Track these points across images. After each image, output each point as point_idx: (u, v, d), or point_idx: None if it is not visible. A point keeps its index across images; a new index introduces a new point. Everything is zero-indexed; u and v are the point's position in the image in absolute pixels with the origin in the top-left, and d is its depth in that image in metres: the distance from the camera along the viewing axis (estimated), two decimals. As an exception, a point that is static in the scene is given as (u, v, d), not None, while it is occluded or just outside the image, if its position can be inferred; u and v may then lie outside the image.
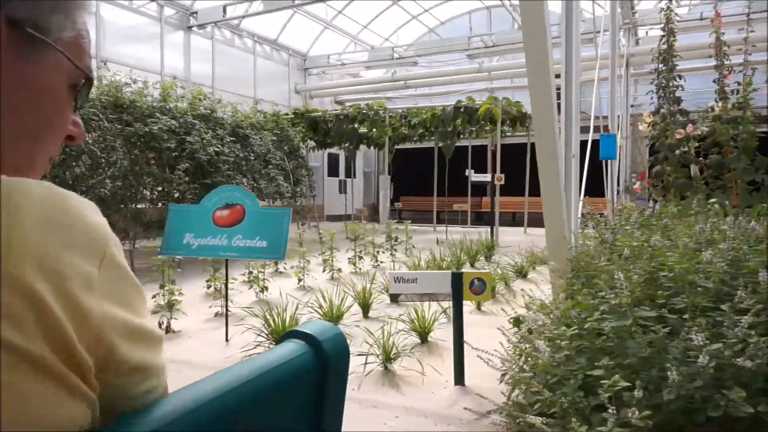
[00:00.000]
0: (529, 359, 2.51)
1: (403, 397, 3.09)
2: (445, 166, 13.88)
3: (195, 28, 13.05)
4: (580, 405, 2.10)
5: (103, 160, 6.55)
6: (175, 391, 0.56)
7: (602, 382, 2.00)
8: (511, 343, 2.73)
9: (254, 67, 14.88)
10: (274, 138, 9.58)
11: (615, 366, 2.14)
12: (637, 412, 1.74)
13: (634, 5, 11.80)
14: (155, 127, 7.24)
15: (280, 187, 9.02)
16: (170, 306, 4.47)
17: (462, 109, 10.07)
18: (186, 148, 7.67)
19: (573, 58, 4.43)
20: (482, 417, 2.72)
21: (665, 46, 9.54)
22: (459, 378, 3.16)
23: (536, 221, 16.86)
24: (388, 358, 3.52)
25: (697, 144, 7.95)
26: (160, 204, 7.52)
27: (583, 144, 16.70)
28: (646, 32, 14.86)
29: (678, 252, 2.42)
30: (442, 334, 4.21)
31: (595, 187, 17.52)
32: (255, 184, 8.71)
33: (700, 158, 7.67)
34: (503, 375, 2.71)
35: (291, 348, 0.68)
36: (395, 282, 3.08)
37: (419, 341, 4.12)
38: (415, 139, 11.76)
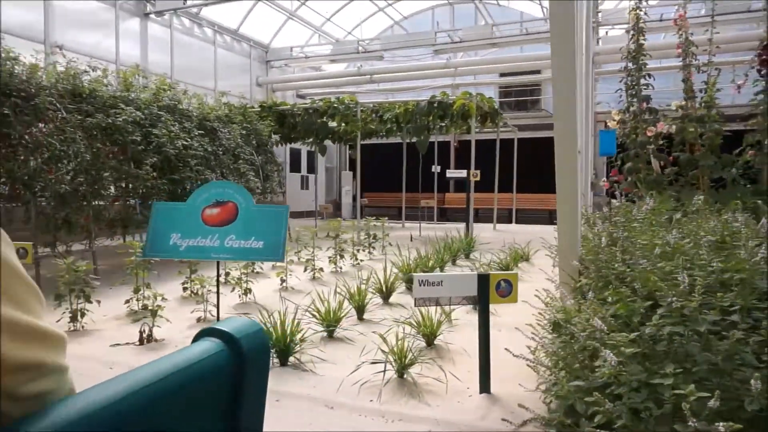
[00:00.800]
0: (577, 365, 2.36)
1: (429, 408, 2.88)
2: (411, 161, 13.78)
3: (152, 16, 12.35)
4: (648, 415, 1.96)
5: (62, 154, 6.01)
6: (59, 401, 0.52)
7: (675, 392, 1.87)
8: (544, 347, 2.58)
9: (215, 59, 14.27)
10: (243, 132, 9.15)
11: (681, 374, 2.01)
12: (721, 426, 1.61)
13: (598, 5, 11.98)
14: (120, 119, 6.72)
15: (250, 183, 8.61)
16: (153, 313, 4.09)
17: (435, 105, 9.95)
18: (152, 141, 7.18)
19: (581, 53, 4.33)
20: (520, 428, 2.56)
21: (634, 45, 9.70)
22: (484, 385, 2.98)
23: (503, 218, 17.08)
24: (403, 365, 3.30)
25: (661, 142, 8.11)
26: (133, 201, 7.02)
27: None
28: (606, 32, 15.22)
29: (730, 252, 2.33)
30: (448, 336, 4.04)
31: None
32: (224, 180, 8.27)
33: (670, 156, 7.82)
34: (540, 382, 2.57)
35: (205, 347, 0.65)
36: (420, 285, 2.87)
37: (425, 345, 3.93)
38: (382, 134, 11.56)
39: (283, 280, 6.01)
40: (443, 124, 10.45)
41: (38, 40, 9.69)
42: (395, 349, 3.36)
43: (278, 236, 3.80)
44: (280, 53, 16.30)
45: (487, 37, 13.93)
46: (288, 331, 3.66)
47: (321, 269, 6.70)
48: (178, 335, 4.30)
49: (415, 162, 17.93)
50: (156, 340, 4.12)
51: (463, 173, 9.36)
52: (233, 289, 5.37)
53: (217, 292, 4.08)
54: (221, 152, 8.50)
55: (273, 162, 9.85)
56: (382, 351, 3.37)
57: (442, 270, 6.72)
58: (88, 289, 4.48)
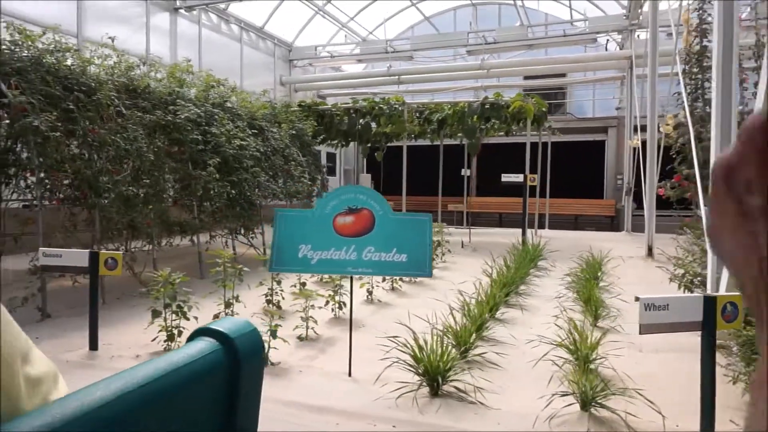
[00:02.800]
0: None
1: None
2: (432, 164, 13.40)
3: (182, 11, 11.86)
4: None
5: (125, 153, 5.53)
6: (59, 398, 0.51)
7: None
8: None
9: (241, 56, 13.79)
10: (294, 132, 8.69)
11: None
12: None
13: (642, 6, 11.70)
14: (182, 116, 6.25)
15: (303, 185, 8.16)
16: (273, 333, 3.63)
17: (487, 106, 9.57)
18: (210, 141, 6.71)
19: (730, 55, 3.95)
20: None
21: (698, 47, 9.35)
22: (708, 426, 2.57)
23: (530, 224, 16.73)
24: (588, 399, 2.89)
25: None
26: (193, 204, 6.55)
27: (584, 145, 16.32)
28: (638, 35, 14.95)
29: None
30: (617, 363, 3.63)
31: (586, 187, 17.56)
32: (272, 182, 7.82)
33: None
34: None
35: (200, 346, 0.64)
36: (646, 310, 2.46)
37: (580, 368, 3.52)
38: (428, 135, 11.13)
39: (369, 292, 5.56)
40: (496, 126, 10.05)
41: (71, 34, 9.18)
42: (575, 376, 2.95)
43: (423, 248, 3.37)
44: (303, 52, 15.85)
45: (522, 39, 13.59)
46: (438, 353, 3.23)
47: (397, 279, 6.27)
48: (289, 357, 3.84)
49: (435, 165, 17.59)
50: (272, 364, 3.67)
51: (519, 177, 8.98)
52: (327, 302, 4.91)
53: (350, 308, 3.63)
54: (270, 153, 8.04)
55: (316, 164, 9.40)
56: (569, 380, 2.95)
57: (521, 282, 6.32)
58: (186, 304, 4.02)
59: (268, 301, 5.12)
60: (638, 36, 14.64)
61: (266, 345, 3.63)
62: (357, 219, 3.44)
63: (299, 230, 3.44)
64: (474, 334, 3.87)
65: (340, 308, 4.92)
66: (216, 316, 4.52)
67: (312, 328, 4.36)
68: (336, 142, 11.30)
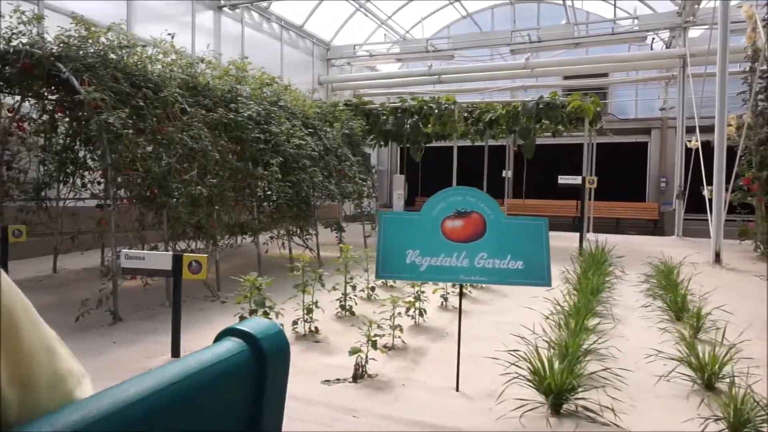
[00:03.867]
0: None
1: None
2: (467, 165, 13.11)
3: (226, 9, 11.77)
4: None
5: (192, 152, 5.37)
6: (93, 394, 0.51)
7: None
8: None
9: (281, 55, 13.66)
10: (347, 131, 8.50)
11: None
12: None
13: (699, 2, 11.27)
14: (245, 113, 6.08)
15: (358, 186, 7.95)
16: (374, 344, 3.41)
17: (542, 106, 9.26)
18: (270, 140, 6.54)
19: None
20: None
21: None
22: None
23: (566, 226, 16.36)
24: (741, 425, 2.61)
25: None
26: (253, 204, 6.38)
27: (626, 146, 15.72)
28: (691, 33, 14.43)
29: None
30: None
31: (627, 190, 17.08)
32: (328, 182, 7.61)
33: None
34: None
35: (228, 346, 0.65)
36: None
37: (702, 387, 3.24)
38: (483, 136, 10.80)
39: (444, 298, 5.31)
40: (551, 127, 9.73)
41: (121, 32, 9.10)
42: (727, 399, 2.67)
43: (541, 255, 3.12)
44: (341, 51, 15.68)
45: (567, 37, 13.23)
46: (563, 367, 2.97)
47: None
48: (383, 368, 3.62)
49: (473, 166, 17.27)
50: (370, 376, 3.44)
51: (577, 179, 8.66)
52: (408, 309, 4.67)
53: (459, 317, 3.39)
54: (324, 153, 7.85)
55: (367, 164, 9.19)
56: (718, 402, 2.66)
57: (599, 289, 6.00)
58: (273, 311, 3.82)
59: (342, 307, 4.91)
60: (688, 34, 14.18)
61: (363, 356, 3.42)
62: (467, 223, 3.20)
63: (406, 234, 3.21)
64: (581, 347, 3.60)
65: (421, 315, 4.68)
66: (295, 323, 4.33)
67: (399, 337, 4.13)
68: (374, 142, 11.08)
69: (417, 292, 4.67)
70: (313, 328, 4.33)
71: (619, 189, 16.87)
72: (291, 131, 6.75)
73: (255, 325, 0.70)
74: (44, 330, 0.53)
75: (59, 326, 4.60)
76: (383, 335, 4.13)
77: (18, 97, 6.12)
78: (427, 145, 12.07)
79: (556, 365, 3.00)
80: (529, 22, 16.81)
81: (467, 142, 13.10)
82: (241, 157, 6.24)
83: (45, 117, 6.37)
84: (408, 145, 11.20)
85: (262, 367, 0.67)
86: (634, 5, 13.37)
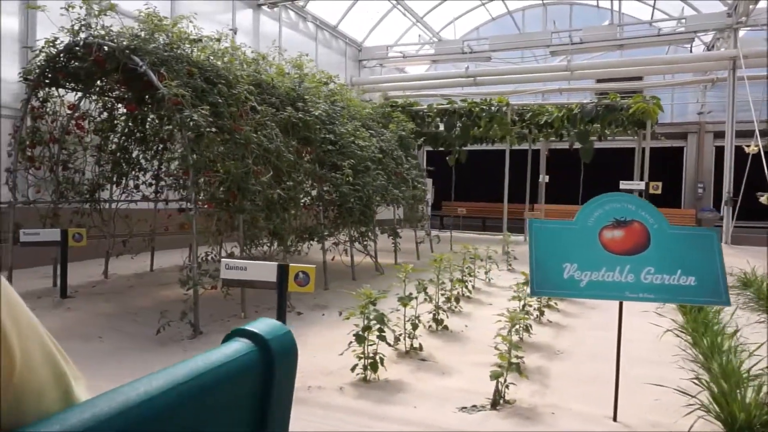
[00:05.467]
0: None
1: None
2: (499, 169, 12.69)
3: (265, 8, 11.50)
4: None
5: (266, 152, 5.05)
6: (99, 395, 0.51)
7: None
8: None
9: (316, 55, 13.36)
10: (404, 133, 8.17)
11: None
12: None
13: (756, 3, 10.91)
14: (315, 113, 5.76)
15: (418, 190, 7.61)
16: (517, 367, 3.06)
17: (602, 108, 8.91)
18: (337, 140, 6.21)
19: None
20: None
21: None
22: None
23: None
24: None
25: None
26: (322, 209, 6.05)
27: (660, 151, 15.14)
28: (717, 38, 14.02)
29: None
30: None
31: (662, 196, 16.67)
32: (391, 187, 7.27)
33: None
34: None
35: (236, 347, 0.66)
36: None
37: None
38: (560, 137, 10.42)
39: (541, 312, 4.95)
40: (617, 130, 9.38)
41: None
42: None
43: (714, 270, 2.77)
44: (373, 52, 15.37)
45: (611, 39, 12.87)
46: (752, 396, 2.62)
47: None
48: (515, 393, 3.26)
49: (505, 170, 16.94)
50: (508, 402, 3.09)
51: (641, 185, 8.30)
52: (513, 326, 4.31)
53: (618, 337, 3.03)
54: (381, 156, 7.52)
55: (419, 167, 8.85)
56: None
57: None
58: (388, 328, 3.48)
59: (435, 320, 4.56)
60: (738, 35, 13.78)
61: (502, 380, 3.06)
62: (627, 233, 2.85)
63: (560, 246, 2.87)
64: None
65: (527, 331, 4.32)
66: (397, 339, 3.99)
67: (520, 358, 3.77)
68: (426, 142, 10.72)
69: (522, 305, 4.32)
70: (417, 345, 3.98)
71: (654, 195, 16.46)
72: (358, 133, 6.43)
73: (263, 326, 0.70)
74: (38, 331, 0.51)
75: (139, 340, 4.28)
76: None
77: (79, 94, 5.83)
78: (462, 148, 11.73)
79: (749, 394, 2.64)
80: (561, 24, 16.48)
81: (499, 146, 12.75)
82: (310, 159, 5.92)
83: (104, 115, 6.07)
84: (443, 149, 10.81)
85: (269, 368, 0.67)
86: (678, 6, 13.02)
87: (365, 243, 6.96)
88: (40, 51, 5.17)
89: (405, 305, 3.99)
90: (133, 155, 6.61)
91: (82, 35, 4.95)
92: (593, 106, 9.07)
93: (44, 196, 5.83)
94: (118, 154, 6.42)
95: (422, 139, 10.39)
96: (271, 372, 0.67)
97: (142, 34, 4.88)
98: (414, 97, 16.03)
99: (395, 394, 3.22)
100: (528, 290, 4.81)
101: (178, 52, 4.92)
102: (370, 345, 3.45)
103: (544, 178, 14.31)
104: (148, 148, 6.74)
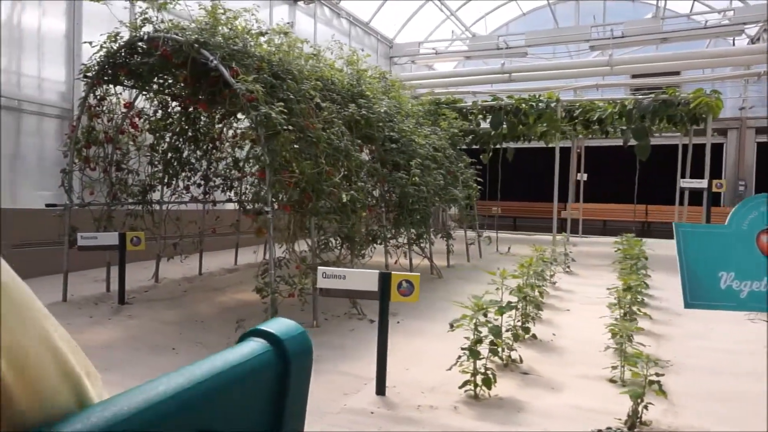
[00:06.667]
0: None
1: None
2: (530, 168, 12.36)
3: (300, 3, 11.26)
4: None
5: (335, 152, 4.79)
6: (119, 394, 0.52)
7: None
8: None
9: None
10: (456, 131, 7.89)
11: None
12: None
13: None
14: (381, 109, 5.50)
15: (473, 190, 7.32)
16: (658, 385, 2.76)
17: (659, 103, 8.57)
18: (398, 138, 5.94)
19: None
20: None
21: None
22: None
23: (613, 231, 15.53)
24: None
25: None
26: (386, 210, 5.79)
27: (699, 148, 14.76)
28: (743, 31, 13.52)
29: None
30: None
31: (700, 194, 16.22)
32: (451, 187, 6.98)
33: None
34: None
35: (251, 347, 0.66)
36: None
37: None
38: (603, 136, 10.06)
39: (633, 319, 4.63)
40: (658, 126, 9.03)
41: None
42: None
43: None
44: (404, 49, 15.07)
45: (655, 32, 12.47)
46: None
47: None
48: (647, 413, 2.97)
49: (535, 169, 16.55)
50: (644, 423, 2.80)
51: (702, 183, 7.95)
52: (613, 335, 4.01)
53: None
54: (437, 154, 7.23)
55: (467, 166, 8.55)
56: None
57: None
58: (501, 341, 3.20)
59: (524, 329, 4.27)
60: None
61: (639, 407, 2.77)
62: (790, 238, 2.54)
63: (713, 252, 2.57)
64: None
65: (630, 341, 4.01)
66: (494, 350, 3.70)
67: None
68: (473, 140, 10.42)
69: (623, 313, 4.02)
70: (517, 357, 3.70)
71: (693, 192, 16.00)
72: (417, 130, 6.16)
73: (278, 326, 0.71)
74: (39, 324, 0.48)
75: (215, 351, 4.05)
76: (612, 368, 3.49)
77: (134, 92, 5.62)
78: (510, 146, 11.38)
79: None
80: (596, 18, 16.06)
81: (535, 144, 12.38)
82: (372, 158, 5.67)
83: (159, 113, 5.86)
84: (476, 146, 10.47)
85: (285, 368, 0.68)
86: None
87: (422, 245, 6.69)
88: (101, 47, 4.95)
89: (502, 314, 3.71)
90: (184, 155, 6.40)
91: (146, 29, 4.73)
92: (650, 100, 8.72)
93: (98, 197, 5.62)
94: (169, 154, 6.21)
95: (470, 137, 10.07)
96: (286, 372, 0.68)
97: (207, 27, 4.65)
98: (444, 94, 15.74)
99: (516, 414, 2.95)
100: (620, 298, 4.52)
101: (246, 46, 4.69)
102: (480, 359, 3.17)
103: (582, 176, 13.96)
104: (198, 147, 6.53)
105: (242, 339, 0.69)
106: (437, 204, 6.68)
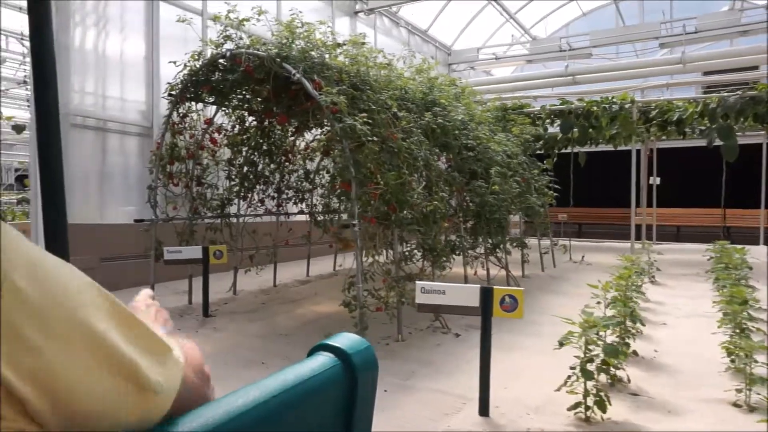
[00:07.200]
0: None
1: None
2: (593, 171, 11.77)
3: (361, 15, 11.34)
4: None
5: (415, 161, 4.68)
6: (203, 406, 0.56)
7: None
8: None
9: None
10: (528, 137, 7.67)
11: None
12: None
13: None
14: (459, 117, 5.38)
15: (549, 198, 7.07)
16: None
17: (747, 99, 8.03)
18: (475, 146, 5.79)
19: None
20: None
21: None
22: None
23: (690, 236, 14.67)
24: None
25: None
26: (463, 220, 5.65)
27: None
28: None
29: None
30: None
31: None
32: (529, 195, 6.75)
33: None
34: None
35: (321, 361, 0.70)
36: None
37: None
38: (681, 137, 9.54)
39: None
40: (741, 124, 8.46)
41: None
42: None
43: None
44: (462, 55, 14.90)
45: (733, 25, 11.77)
46: None
47: None
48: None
49: (605, 173, 15.92)
50: (789, 457, 2.52)
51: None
52: (729, 353, 3.69)
53: None
54: (510, 161, 7.01)
55: (541, 173, 8.27)
56: None
57: None
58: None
59: (624, 343, 4.00)
60: None
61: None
62: None
63: None
64: None
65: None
66: (606, 370, 3.48)
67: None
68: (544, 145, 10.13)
69: (740, 329, 3.70)
70: (624, 376, 3.45)
71: (742, 194, 14.93)
72: (496, 138, 5.98)
73: (345, 340, 0.73)
74: (87, 316, 0.45)
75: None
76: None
77: (214, 108, 5.74)
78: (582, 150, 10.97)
79: None
80: (657, 15, 15.36)
81: (597, 149, 11.87)
82: (449, 166, 5.54)
83: (236, 128, 5.96)
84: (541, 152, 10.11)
85: (352, 381, 0.70)
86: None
87: (499, 255, 6.48)
88: (185, 65, 5.07)
89: (605, 330, 3.48)
90: (258, 168, 6.48)
91: (227, 46, 4.80)
92: (737, 97, 8.17)
93: (180, 212, 5.76)
94: (245, 168, 6.30)
95: (540, 143, 9.78)
96: (354, 385, 0.70)
97: (288, 42, 4.67)
98: (509, 99, 15.42)
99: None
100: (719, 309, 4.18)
101: (324, 58, 4.68)
102: (592, 380, 2.97)
103: (655, 180, 13.32)
104: (273, 160, 6.60)
105: (311, 353, 0.73)
106: (513, 212, 6.46)
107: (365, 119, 4.14)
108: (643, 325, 4.46)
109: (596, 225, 16.87)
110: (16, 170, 22.44)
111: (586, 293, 6.46)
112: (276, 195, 6.88)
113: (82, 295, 0.46)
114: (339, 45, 4.99)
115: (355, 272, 4.11)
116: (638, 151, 12.86)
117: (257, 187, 6.49)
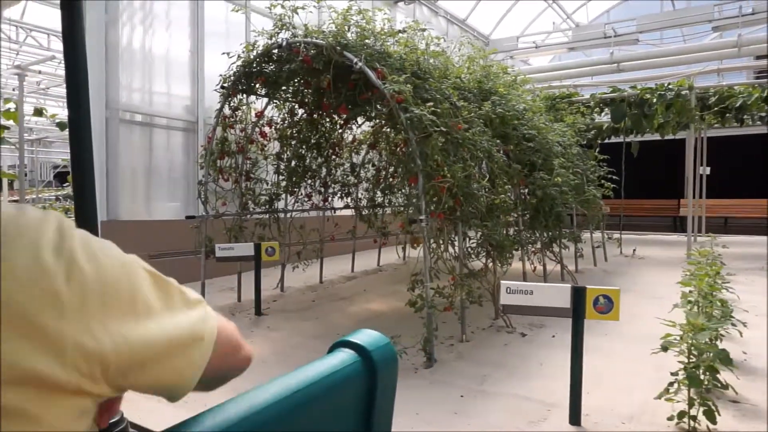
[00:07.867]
0: None
1: None
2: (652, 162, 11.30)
3: (401, 4, 11.11)
4: None
5: (477, 153, 4.45)
6: (228, 400, 0.57)
7: None
8: None
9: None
10: (582, 127, 7.36)
11: None
12: None
13: None
14: (520, 107, 5.13)
15: (606, 190, 6.75)
16: None
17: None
18: (534, 137, 5.53)
19: None
20: None
21: None
22: None
23: (729, 227, 14.06)
24: None
25: None
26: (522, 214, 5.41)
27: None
28: None
29: None
30: None
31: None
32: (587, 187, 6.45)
33: None
34: None
35: (342, 357, 0.71)
36: None
37: None
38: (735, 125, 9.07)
39: None
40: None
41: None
42: None
43: None
44: (501, 44, 14.50)
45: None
46: None
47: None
48: None
49: (649, 162, 15.39)
50: None
51: None
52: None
53: None
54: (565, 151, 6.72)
55: (599, 164, 7.92)
56: None
57: None
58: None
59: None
60: None
61: None
62: None
63: None
64: None
65: None
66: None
67: None
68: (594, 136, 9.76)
69: None
70: (722, 381, 3.18)
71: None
72: (551, 127, 5.71)
73: (365, 337, 0.74)
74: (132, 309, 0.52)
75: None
76: None
77: (264, 101, 5.61)
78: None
79: None
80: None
81: (642, 138, 11.38)
82: (507, 158, 5.30)
83: (286, 121, 5.82)
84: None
85: (372, 377, 0.71)
86: None
87: (555, 250, 6.22)
88: (238, 56, 4.94)
89: (715, 333, 3.22)
90: (306, 162, 6.34)
91: (283, 35, 4.65)
92: (806, 82, 7.70)
93: (229, 207, 5.65)
94: (293, 162, 6.16)
95: (592, 132, 9.42)
96: (374, 381, 0.71)
97: (347, 31, 4.49)
98: (557, 88, 14.99)
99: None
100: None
101: (383, 47, 4.49)
102: (697, 386, 2.72)
103: (704, 170, 12.77)
104: (321, 154, 6.45)
105: (332, 349, 0.74)
106: (572, 205, 6.18)
107: (433, 109, 3.94)
108: (734, 325, 4.16)
109: (639, 217, 16.32)
110: (55, 167, 22.95)
111: (645, 290, 6.17)
112: (323, 189, 6.73)
113: (132, 266, 0.55)
114: (400, 32, 4.78)
115: (422, 270, 3.91)
116: (691, 140, 12.37)
117: (304, 181, 6.34)
